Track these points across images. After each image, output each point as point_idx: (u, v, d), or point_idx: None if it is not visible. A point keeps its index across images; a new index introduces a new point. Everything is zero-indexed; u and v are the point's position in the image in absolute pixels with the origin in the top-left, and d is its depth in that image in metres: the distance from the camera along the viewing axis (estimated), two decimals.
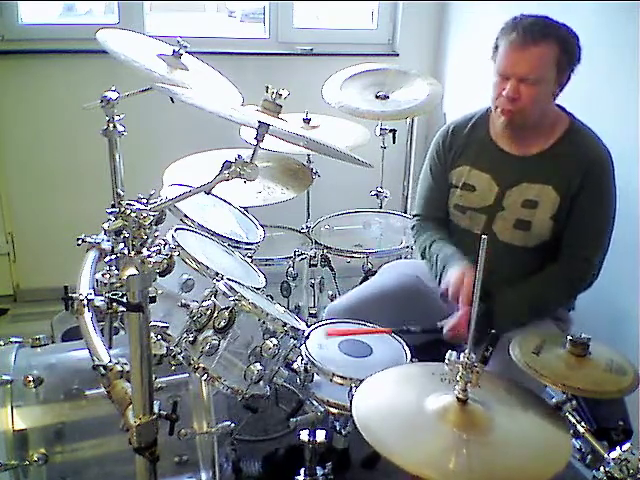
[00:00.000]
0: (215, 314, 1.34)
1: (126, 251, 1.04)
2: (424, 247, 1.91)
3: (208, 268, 1.45)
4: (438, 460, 1.01)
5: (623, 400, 1.57)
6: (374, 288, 1.97)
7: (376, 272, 2.16)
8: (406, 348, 1.56)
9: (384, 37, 3.30)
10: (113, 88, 1.88)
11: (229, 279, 1.42)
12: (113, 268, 1.30)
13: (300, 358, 1.47)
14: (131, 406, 1.08)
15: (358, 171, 1.68)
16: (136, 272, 1.01)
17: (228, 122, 1.46)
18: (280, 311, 1.51)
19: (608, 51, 2.12)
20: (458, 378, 1.08)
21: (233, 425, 1.46)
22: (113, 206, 1.84)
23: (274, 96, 1.32)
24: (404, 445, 1.04)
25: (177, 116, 2.76)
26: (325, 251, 2.33)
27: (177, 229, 1.54)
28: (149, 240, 1.07)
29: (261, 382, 1.36)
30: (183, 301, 1.36)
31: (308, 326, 1.58)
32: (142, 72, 1.85)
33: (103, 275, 1.28)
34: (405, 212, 2.82)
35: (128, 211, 1.05)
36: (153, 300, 1.06)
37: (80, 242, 1.52)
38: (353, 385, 1.37)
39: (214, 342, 1.31)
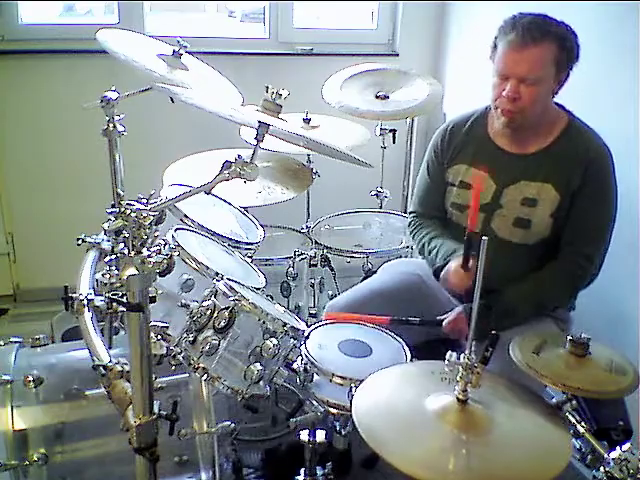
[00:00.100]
0: (215, 314, 1.34)
1: (126, 251, 1.04)
2: (423, 243, 1.90)
3: (208, 268, 1.45)
4: (437, 461, 1.01)
5: (623, 400, 1.57)
6: (375, 286, 1.97)
7: (376, 272, 2.16)
8: (406, 348, 1.56)
9: (384, 37, 3.30)
10: (113, 88, 1.88)
11: (229, 279, 1.42)
12: (113, 268, 1.30)
13: (300, 358, 1.47)
14: (131, 406, 1.08)
15: (358, 171, 1.68)
16: (136, 272, 1.01)
17: (228, 122, 1.46)
18: (280, 311, 1.51)
19: (607, 49, 2.13)
20: (458, 379, 1.08)
21: (233, 425, 1.46)
22: (113, 206, 1.84)
23: (274, 96, 1.32)
24: (403, 445, 1.04)
25: (177, 116, 2.76)
26: (325, 251, 2.33)
27: (177, 229, 1.54)
28: (149, 240, 1.07)
29: (261, 382, 1.36)
30: (183, 301, 1.36)
31: (308, 326, 1.58)
32: (142, 72, 1.85)
33: (103, 275, 1.28)
34: (405, 212, 2.81)
35: (128, 211, 1.05)
36: (153, 300, 1.06)
37: (80, 242, 1.52)
38: (353, 385, 1.37)
39: (214, 342, 1.31)
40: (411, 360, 1.51)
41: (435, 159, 1.91)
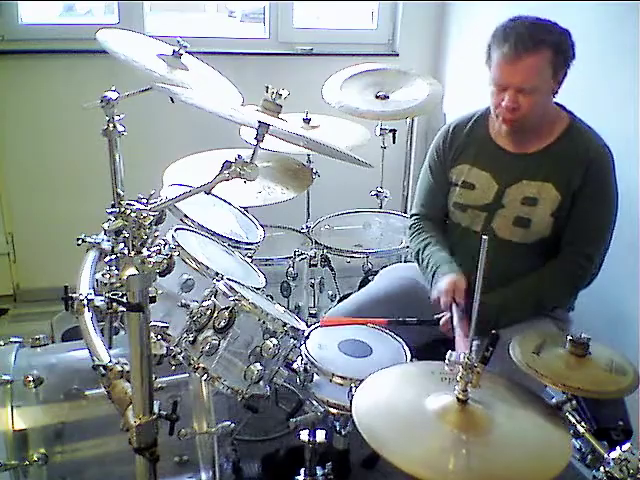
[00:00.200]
0: (215, 314, 1.34)
1: (126, 251, 1.04)
2: (417, 250, 1.91)
3: (208, 268, 1.45)
4: (437, 460, 1.01)
5: (623, 400, 1.57)
6: (373, 292, 1.97)
7: (376, 272, 2.16)
8: (406, 348, 1.56)
9: (384, 37, 3.31)
10: (113, 88, 1.88)
11: (229, 279, 1.42)
12: (113, 268, 1.30)
13: (300, 358, 1.47)
14: (131, 406, 1.08)
15: (358, 171, 1.68)
16: (136, 272, 1.01)
17: (228, 122, 1.46)
18: (280, 311, 1.51)
19: (607, 49, 2.13)
20: (458, 378, 1.08)
21: (233, 425, 1.46)
22: (113, 206, 1.84)
23: (274, 96, 1.32)
24: (403, 445, 1.04)
25: (177, 116, 2.76)
26: (325, 251, 2.33)
27: (177, 229, 1.54)
28: (149, 240, 1.07)
29: (261, 382, 1.36)
30: (183, 301, 1.36)
31: (308, 326, 1.58)
32: (142, 72, 1.85)
33: (103, 275, 1.28)
34: (405, 212, 2.82)
35: (128, 211, 1.05)
36: (153, 300, 1.06)
37: (80, 242, 1.52)
38: (353, 385, 1.37)
39: (214, 342, 1.31)
40: (411, 360, 1.51)
41: (437, 160, 1.92)
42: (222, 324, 1.32)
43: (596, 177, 1.70)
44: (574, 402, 1.22)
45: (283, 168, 2.40)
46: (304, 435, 1.48)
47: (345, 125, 2.65)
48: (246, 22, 3.76)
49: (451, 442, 1.03)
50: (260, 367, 1.33)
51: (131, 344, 1.05)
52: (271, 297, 1.59)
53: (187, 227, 1.61)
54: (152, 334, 1.21)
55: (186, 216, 1.63)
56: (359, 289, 2.10)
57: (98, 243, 1.52)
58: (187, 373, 1.47)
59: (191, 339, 1.33)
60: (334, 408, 1.44)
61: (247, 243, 1.78)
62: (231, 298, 1.34)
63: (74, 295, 1.31)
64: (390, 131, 2.74)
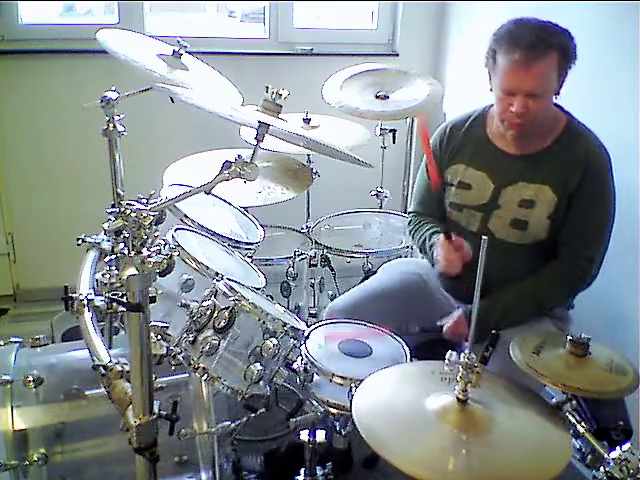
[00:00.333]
0: (215, 314, 1.34)
1: (126, 251, 1.04)
2: (424, 239, 1.90)
3: (208, 268, 1.45)
4: (437, 460, 1.01)
5: (623, 400, 1.57)
6: (375, 286, 1.97)
7: (376, 272, 2.16)
8: (406, 348, 1.56)
9: (384, 37, 3.30)
10: (113, 88, 1.88)
11: (229, 279, 1.42)
12: (113, 268, 1.30)
13: (300, 358, 1.47)
14: (131, 406, 1.08)
15: (358, 171, 1.68)
16: (136, 272, 1.01)
17: (228, 122, 1.46)
18: (280, 311, 1.51)
19: (607, 50, 2.13)
20: (458, 378, 1.08)
21: (233, 425, 1.46)
22: (113, 206, 1.84)
23: (274, 96, 1.32)
24: (403, 445, 1.04)
25: (177, 116, 2.76)
26: (325, 251, 2.33)
27: (177, 229, 1.54)
28: (149, 240, 1.07)
29: (261, 382, 1.36)
30: (183, 301, 1.36)
31: (308, 326, 1.58)
32: (142, 72, 1.85)
33: (103, 275, 1.28)
34: (405, 212, 2.81)
35: (128, 211, 1.05)
36: (153, 300, 1.06)
37: (80, 242, 1.52)
38: (353, 385, 1.37)
39: (214, 342, 1.31)
40: (411, 360, 1.51)
41: (434, 159, 1.91)
42: (222, 324, 1.32)
43: (594, 179, 1.69)
44: (574, 402, 1.22)
45: (283, 168, 2.40)
46: (304, 435, 1.48)
47: (345, 125, 2.65)
48: (246, 22, 3.76)
49: (451, 442, 1.03)
50: (260, 367, 1.33)
51: (131, 344, 1.05)
52: (271, 297, 1.59)
53: (187, 227, 1.61)
54: (152, 334, 1.21)
55: (186, 216, 1.63)
56: None
57: (98, 243, 1.52)
58: (187, 373, 1.47)
59: (191, 339, 1.33)
60: (334, 408, 1.44)
61: (247, 243, 1.78)
62: (231, 298, 1.34)
63: (74, 295, 1.31)
64: (390, 131, 2.74)
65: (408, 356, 1.53)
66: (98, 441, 1.46)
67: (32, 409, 1.43)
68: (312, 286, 2.36)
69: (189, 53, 2.10)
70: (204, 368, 1.31)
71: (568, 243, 1.74)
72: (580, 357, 1.23)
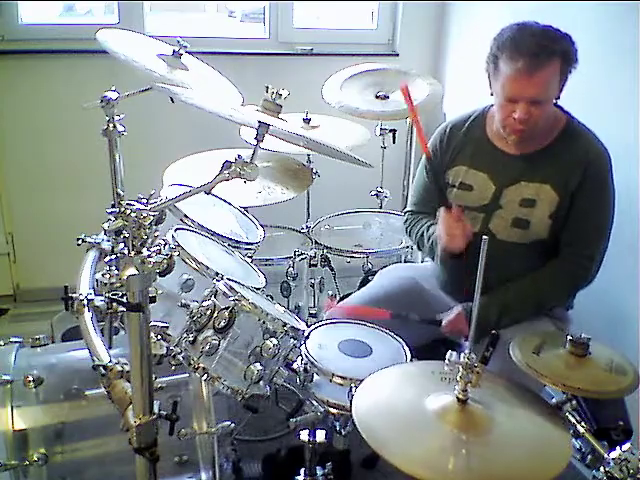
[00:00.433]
0: (215, 314, 1.34)
1: (126, 251, 1.04)
2: (422, 232, 1.89)
3: (208, 268, 1.45)
4: (437, 460, 1.01)
5: (623, 400, 1.57)
6: (373, 292, 1.97)
7: (376, 272, 2.16)
8: (406, 348, 1.56)
9: (384, 37, 3.30)
10: (113, 88, 1.88)
11: (229, 279, 1.42)
12: (113, 268, 1.30)
13: (300, 358, 1.47)
14: (131, 406, 1.08)
15: (358, 171, 1.68)
16: (136, 272, 1.01)
17: (228, 122, 1.46)
18: (280, 311, 1.51)
19: (607, 50, 2.13)
20: (458, 378, 1.08)
21: (233, 425, 1.46)
22: (113, 206, 1.84)
23: (274, 96, 1.32)
24: (403, 445, 1.04)
25: (177, 116, 2.76)
26: (325, 251, 2.33)
27: (177, 229, 1.54)
28: (149, 240, 1.07)
29: (261, 382, 1.36)
30: (183, 301, 1.36)
31: (308, 326, 1.58)
32: (142, 72, 1.85)
33: (103, 275, 1.28)
34: None
35: (128, 211, 1.05)
36: (153, 300, 1.06)
37: (80, 242, 1.52)
38: (353, 385, 1.37)
39: (214, 342, 1.31)
40: (411, 360, 1.51)
41: (434, 160, 1.91)
42: (222, 324, 1.32)
43: (595, 178, 1.69)
44: (574, 402, 1.22)
45: (283, 168, 2.40)
46: (304, 435, 1.48)
47: (345, 125, 2.65)
48: (246, 22, 3.76)
49: (451, 442, 1.03)
50: (260, 367, 1.33)
51: (131, 344, 1.05)
52: (271, 297, 1.59)
53: (187, 227, 1.61)
54: (152, 334, 1.21)
55: (186, 216, 1.63)
56: (359, 289, 2.10)
57: (98, 243, 1.52)
58: (187, 373, 1.47)
59: (191, 339, 1.33)
60: (334, 408, 1.44)
61: (247, 243, 1.78)
62: (231, 298, 1.34)
63: (74, 295, 1.30)
64: (390, 131, 2.74)
65: (408, 356, 1.53)
66: (98, 441, 1.46)
67: (32, 409, 1.42)
68: (312, 286, 2.36)
69: (189, 53, 2.10)
70: (204, 368, 1.31)
71: (569, 242, 1.74)
72: (580, 357, 1.23)
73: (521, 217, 1.74)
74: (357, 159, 1.44)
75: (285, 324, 1.38)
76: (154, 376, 1.10)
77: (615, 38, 2.12)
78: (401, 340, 1.59)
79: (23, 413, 1.39)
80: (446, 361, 1.10)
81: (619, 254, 1.81)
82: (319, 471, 1.55)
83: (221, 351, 1.33)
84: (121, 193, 1.94)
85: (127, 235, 1.04)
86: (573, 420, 1.21)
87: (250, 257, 1.76)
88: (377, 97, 2.60)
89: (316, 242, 2.37)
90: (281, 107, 1.33)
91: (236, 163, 1.16)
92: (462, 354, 1.09)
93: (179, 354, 1.33)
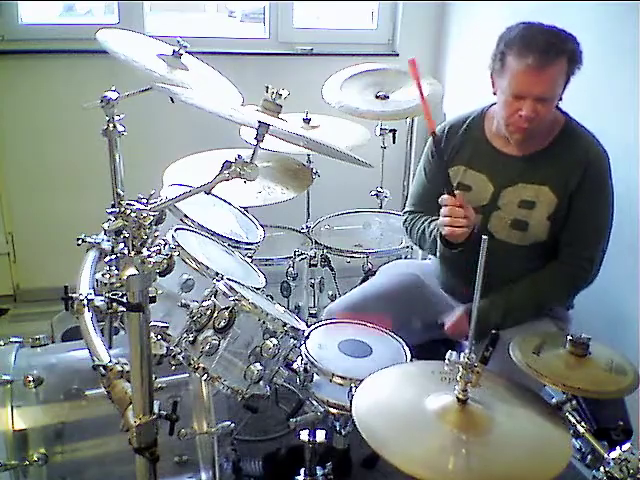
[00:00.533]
0: (215, 314, 1.34)
1: (126, 251, 1.04)
2: (423, 228, 1.88)
3: (208, 268, 1.45)
4: (437, 460, 1.01)
5: (623, 400, 1.57)
6: (374, 288, 1.97)
7: (376, 272, 2.16)
8: (406, 348, 1.56)
9: (384, 37, 3.30)
10: (113, 88, 1.88)
11: (229, 279, 1.42)
12: (113, 268, 1.30)
13: (300, 358, 1.47)
14: (131, 406, 1.08)
15: (358, 171, 1.68)
16: (136, 272, 1.01)
17: (228, 122, 1.46)
18: (280, 311, 1.51)
19: (607, 50, 2.12)
20: (458, 378, 1.08)
21: (233, 425, 1.46)
22: (113, 206, 1.84)
23: (274, 96, 1.33)
24: (403, 445, 1.04)
25: (177, 116, 2.76)
26: (325, 251, 2.33)
27: (177, 229, 1.54)
28: (149, 240, 1.07)
29: (261, 382, 1.36)
30: (183, 301, 1.36)
31: (308, 326, 1.58)
32: (142, 72, 1.85)
33: (103, 275, 1.28)
34: None
35: (128, 211, 1.05)
36: (153, 300, 1.06)
37: (80, 242, 1.52)
38: (353, 385, 1.37)
39: (214, 342, 1.31)
40: (411, 360, 1.51)
41: (432, 161, 1.91)
42: (222, 324, 1.32)
43: (594, 179, 1.69)
44: (574, 402, 1.22)
45: (283, 168, 2.40)
46: (304, 435, 1.48)
47: (345, 125, 2.65)
48: (246, 22, 3.76)
49: (451, 442, 1.03)
50: (260, 367, 1.33)
51: (131, 344, 1.05)
52: (271, 297, 1.59)
53: (187, 227, 1.61)
54: (152, 334, 1.21)
55: (186, 216, 1.63)
56: None
57: (98, 243, 1.52)
58: (187, 373, 1.47)
59: (191, 339, 1.33)
60: (334, 408, 1.44)
61: (247, 243, 1.78)
62: (231, 298, 1.34)
63: (74, 295, 1.30)
64: (390, 131, 2.74)
65: (408, 356, 1.53)
66: (98, 441, 1.46)
67: (32, 409, 1.43)
68: (312, 286, 2.36)
69: (189, 53, 2.10)
70: (204, 368, 1.31)
71: (568, 243, 1.74)
72: (580, 357, 1.23)
73: (520, 219, 1.74)
74: (357, 159, 1.44)
75: (285, 324, 1.38)
76: (154, 376, 1.10)
77: (615, 38, 2.12)
78: (401, 340, 1.59)
79: (23, 413, 1.39)
80: (446, 361, 1.10)
81: (619, 254, 1.81)
82: (319, 471, 1.55)
83: (221, 351, 1.33)
84: (121, 193, 1.94)
85: (127, 235, 1.04)
86: (573, 420, 1.21)
87: (250, 257, 1.76)
88: (377, 97, 2.60)
89: (316, 242, 2.37)
90: (281, 107, 1.33)
91: (236, 163, 1.16)
92: (462, 354, 1.09)
93: (179, 354, 1.33)
